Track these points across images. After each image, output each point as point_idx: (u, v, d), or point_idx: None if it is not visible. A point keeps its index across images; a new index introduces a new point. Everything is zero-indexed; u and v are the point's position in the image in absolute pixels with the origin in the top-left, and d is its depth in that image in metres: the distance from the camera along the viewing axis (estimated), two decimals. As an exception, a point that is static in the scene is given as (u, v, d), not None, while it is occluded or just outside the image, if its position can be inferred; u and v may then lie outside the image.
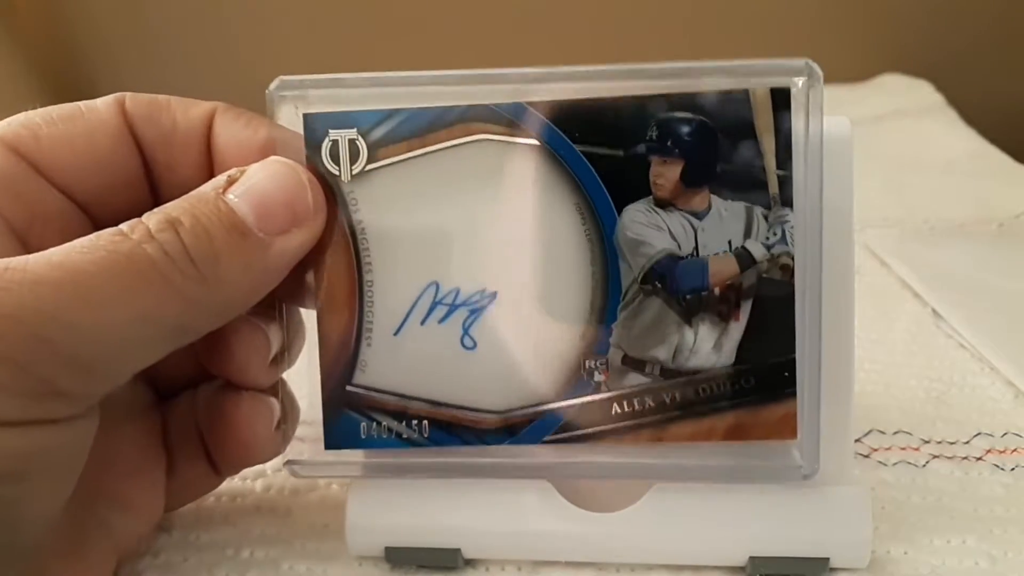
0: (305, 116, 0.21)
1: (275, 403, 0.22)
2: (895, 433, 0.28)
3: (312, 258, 0.20)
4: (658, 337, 0.21)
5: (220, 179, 0.19)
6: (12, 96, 0.63)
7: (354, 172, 0.21)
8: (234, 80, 0.72)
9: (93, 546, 0.20)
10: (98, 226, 0.19)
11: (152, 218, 0.18)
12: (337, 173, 0.21)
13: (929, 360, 0.33)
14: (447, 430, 0.21)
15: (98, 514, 0.20)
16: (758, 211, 0.20)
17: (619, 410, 0.21)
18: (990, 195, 0.51)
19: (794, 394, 0.20)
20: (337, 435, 0.21)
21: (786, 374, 0.20)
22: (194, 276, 0.18)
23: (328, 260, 0.21)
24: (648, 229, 0.20)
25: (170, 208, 0.18)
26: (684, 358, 0.21)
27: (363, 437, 0.21)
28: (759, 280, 0.20)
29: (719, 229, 0.20)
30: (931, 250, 0.43)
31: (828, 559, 0.21)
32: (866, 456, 0.27)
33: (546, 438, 0.21)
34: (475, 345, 0.21)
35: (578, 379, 0.21)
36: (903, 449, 0.27)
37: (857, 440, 0.28)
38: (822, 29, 0.75)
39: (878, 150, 0.59)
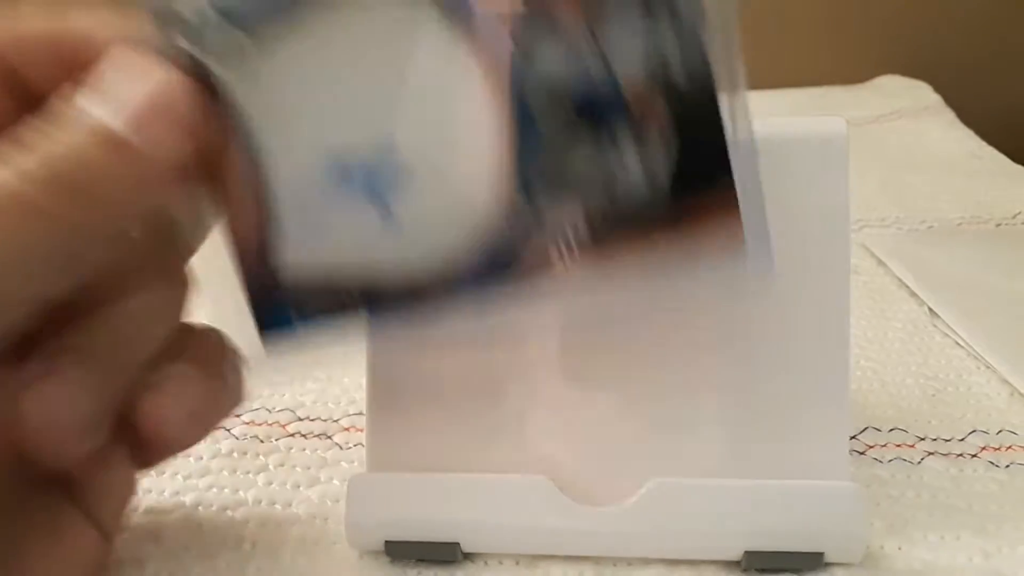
0: None
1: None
2: (890, 430, 0.29)
3: (203, 159, 0.18)
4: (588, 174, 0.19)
5: (73, 90, 0.17)
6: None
7: (227, 52, 0.18)
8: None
9: (68, 527, 0.19)
10: None
11: (6, 143, 0.16)
12: (205, 56, 0.18)
13: (925, 358, 0.33)
14: (384, 299, 0.19)
15: (60, 497, 0.20)
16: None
17: (559, 251, 0.19)
18: (988, 195, 0.51)
19: (732, 187, 0.18)
20: (270, 319, 0.20)
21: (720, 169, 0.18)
22: (67, 199, 0.16)
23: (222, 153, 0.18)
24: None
25: (24, 131, 0.16)
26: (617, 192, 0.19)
27: (295, 316, 0.20)
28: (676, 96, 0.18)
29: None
30: (928, 250, 0.43)
31: (822, 554, 0.22)
32: (861, 453, 0.27)
33: (498, 281, 0.19)
34: (391, 214, 0.19)
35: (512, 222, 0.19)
36: (898, 446, 0.28)
37: (853, 437, 0.28)
38: (822, 31, 0.76)
39: (876, 151, 0.60)
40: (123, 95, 0.17)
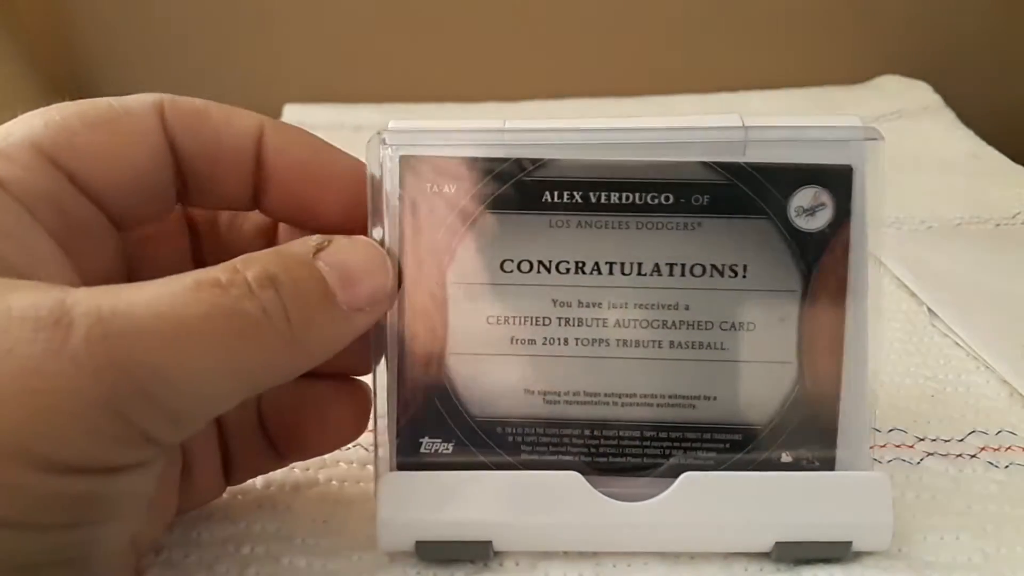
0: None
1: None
2: (890, 431, 0.29)
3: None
4: None
5: (309, 242, 0.19)
6: (12, 96, 0.64)
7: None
8: (240, 78, 0.72)
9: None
10: (120, 229, 0.20)
11: (250, 270, 0.17)
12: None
13: (924, 358, 0.33)
14: None
15: None
16: None
17: None
18: (987, 195, 0.51)
19: None
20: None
21: None
22: (286, 338, 0.17)
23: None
24: None
25: (266, 262, 0.18)
26: None
27: None
28: None
29: None
30: (928, 250, 0.43)
31: (851, 543, 0.22)
32: (861, 453, 0.27)
33: None
34: None
35: None
36: (898, 447, 0.28)
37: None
38: (822, 31, 0.76)
39: (876, 150, 0.60)
40: (346, 264, 0.19)
